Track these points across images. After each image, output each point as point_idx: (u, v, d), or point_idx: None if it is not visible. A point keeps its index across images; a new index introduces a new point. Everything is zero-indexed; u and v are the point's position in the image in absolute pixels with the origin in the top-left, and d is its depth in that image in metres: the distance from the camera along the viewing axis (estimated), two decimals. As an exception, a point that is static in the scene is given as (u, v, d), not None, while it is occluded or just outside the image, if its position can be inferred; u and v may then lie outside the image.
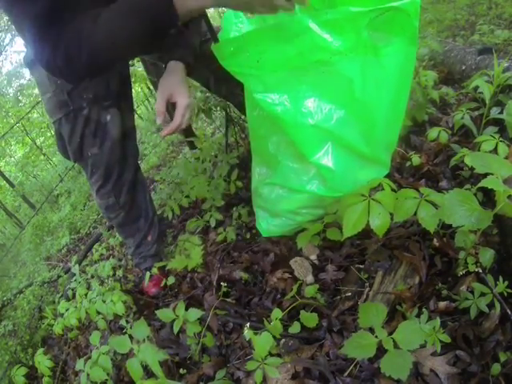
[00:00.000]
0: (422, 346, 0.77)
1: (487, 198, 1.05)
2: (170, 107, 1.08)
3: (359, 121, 0.95)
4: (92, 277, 1.75)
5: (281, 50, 0.85)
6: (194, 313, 1.02)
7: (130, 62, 2.03)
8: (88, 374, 1.01)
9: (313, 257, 1.16)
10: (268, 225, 1.26)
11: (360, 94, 0.89)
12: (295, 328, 0.98)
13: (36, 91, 8.05)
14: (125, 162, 1.29)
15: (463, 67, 1.68)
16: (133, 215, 1.42)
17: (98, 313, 1.37)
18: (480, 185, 0.75)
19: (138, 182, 1.40)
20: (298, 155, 1.02)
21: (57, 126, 1.19)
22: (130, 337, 0.93)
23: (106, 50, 0.84)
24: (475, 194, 0.81)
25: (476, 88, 1.32)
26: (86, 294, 1.47)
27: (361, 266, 1.09)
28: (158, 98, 1.06)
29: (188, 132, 2.22)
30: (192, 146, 2.24)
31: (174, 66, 1.10)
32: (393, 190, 0.95)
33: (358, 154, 1.01)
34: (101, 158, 1.22)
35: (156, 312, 1.05)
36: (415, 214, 0.87)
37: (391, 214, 0.90)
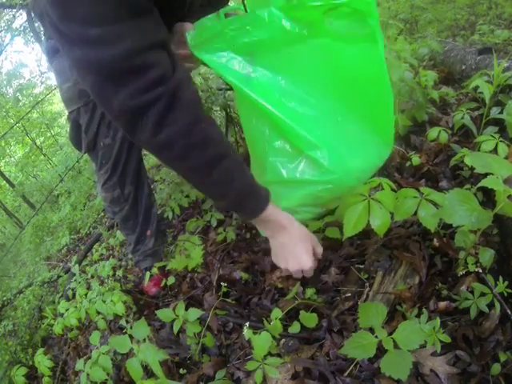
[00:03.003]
0: (422, 346, 0.77)
1: (487, 198, 1.05)
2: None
3: (337, 99, 0.96)
4: (92, 277, 1.74)
5: (254, 35, 0.88)
6: (194, 313, 1.02)
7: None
8: (88, 374, 1.01)
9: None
10: (268, 225, 1.25)
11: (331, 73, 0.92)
12: (295, 328, 0.98)
13: (36, 91, 8.06)
14: (130, 151, 1.31)
15: (463, 67, 1.68)
16: (136, 208, 1.43)
17: (98, 313, 1.37)
18: (480, 185, 0.75)
19: (140, 174, 1.41)
20: (283, 148, 1.02)
21: (74, 115, 1.21)
22: (130, 337, 0.93)
23: (170, 150, 0.76)
24: (475, 194, 0.81)
25: (476, 88, 1.31)
26: (85, 294, 1.47)
27: (361, 266, 1.09)
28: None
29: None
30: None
31: None
32: (393, 189, 0.95)
33: (345, 130, 1.00)
34: (112, 148, 1.25)
35: (156, 312, 1.05)
36: (415, 213, 0.87)
37: (391, 214, 0.90)
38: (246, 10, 1.00)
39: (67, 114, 1.26)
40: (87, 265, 2.09)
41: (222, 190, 0.84)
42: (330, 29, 0.86)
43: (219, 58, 0.92)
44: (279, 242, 0.98)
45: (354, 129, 1.00)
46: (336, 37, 0.88)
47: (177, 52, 1.02)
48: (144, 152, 1.53)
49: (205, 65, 0.99)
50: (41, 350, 1.45)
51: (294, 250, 0.95)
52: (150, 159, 4.02)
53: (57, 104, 9.28)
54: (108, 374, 1.01)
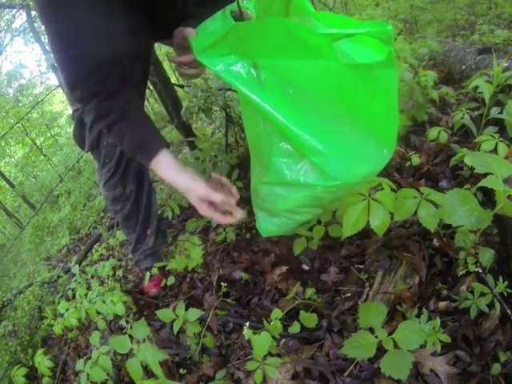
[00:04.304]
0: (422, 346, 0.77)
1: (487, 198, 1.05)
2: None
3: (341, 110, 0.96)
4: (92, 277, 1.74)
5: (259, 41, 0.87)
6: (194, 313, 1.02)
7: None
8: (88, 375, 1.01)
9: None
10: (267, 225, 1.25)
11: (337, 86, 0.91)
12: (295, 328, 0.98)
13: (36, 91, 8.06)
14: None
15: (463, 67, 1.68)
16: (137, 207, 1.43)
17: (98, 313, 1.37)
18: (480, 184, 0.75)
19: (142, 173, 1.42)
20: (287, 149, 1.02)
21: (79, 113, 1.21)
22: (130, 337, 0.93)
23: (107, 132, 1.02)
24: (475, 194, 0.81)
25: (476, 88, 1.32)
26: (86, 295, 1.47)
27: (361, 266, 1.09)
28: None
29: (188, 132, 2.22)
30: (192, 146, 2.24)
31: None
32: (392, 189, 0.95)
33: (349, 136, 1.00)
34: (115, 148, 1.26)
35: (156, 312, 1.06)
36: (415, 213, 0.87)
37: (391, 214, 0.90)
38: (240, 12, 0.99)
39: (71, 111, 1.26)
40: (87, 265, 2.09)
41: (119, 144, 1.09)
42: (337, 53, 0.86)
43: (223, 62, 0.91)
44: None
45: (357, 135, 1.00)
46: (343, 62, 0.87)
47: (180, 58, 1.06)
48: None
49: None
50: (41, 351, 1.45)
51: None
52: (149, 159, 4.02)
53: (57, 104, 9.30)
54: (108, 375, 1.01)
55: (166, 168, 0.98)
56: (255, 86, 0.92)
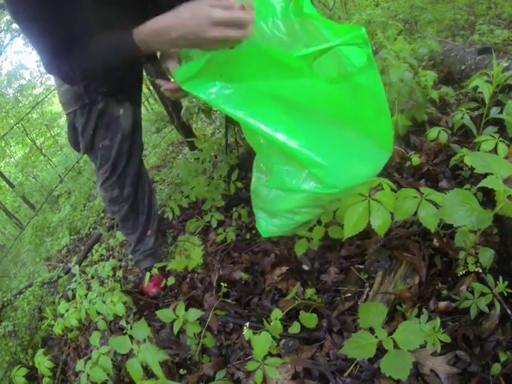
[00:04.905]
0: (422, 346, 0.77)
1: (487, 198, 1.05)
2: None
3: (333, 120, 0.98)
4: (92, 277, 1.75)
5: (241, 66, 0.90)
6: (194, 313, 1.02)
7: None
8: (88, 375, 1.01)
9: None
10: (267, 225, 1.25)
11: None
12: (295, 328, 0.98)
13: (36, 92, 8.07)
14: (131, 154, 1.32)
15: (463, 67, 1.68)
16: (136, 208, 1.44)
17: (98, 313, 1.37)
18: (480, 185, 0.75)
19: (141, 175, 1.42)
20: (288, 157, 1.04)
21: (71, 117, 1.22)
22: (130, 337, 0.93)
23: (93, 74, 0.98)
24: (475, 194, 0.81)
25: (476, 88, 1.31)
26: (86, 295, 1.48)
27: (361, 267, 1.09)
28: None
29: (188, 132, 2.22)
30: (192, 146, 2.24)
31: None
32: (392, 189, 0.95)
33: (345, 142, 1.01)
34: (111, 150, 1.26)
35: (156, 312, 1.06)
36: (415, 213, 0.87)
37: (391, 214, 0.90)
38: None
39: (65, 115, 1.27)
40: (87, 265, 2.09)
41: (112, 72, 0.99)
42: (318, 71, 0.88)
43: (208, 90, 0.94)
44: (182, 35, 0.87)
45: (353, 140, 1.02)
46: (326, 79, 0.90)
47: (165, 86, 1.05)
48: (143, 153, 1.54)
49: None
50: (41, 351, 1.45)
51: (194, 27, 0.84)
52: (150, 160, 4.02)
53: (56, 105, 9.28)
54: (108, 375, 1.01)
55: (151, 24, 0.86)
56: (245, 106, 0.94)
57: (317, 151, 0.99)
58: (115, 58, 0.94)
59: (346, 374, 0.85)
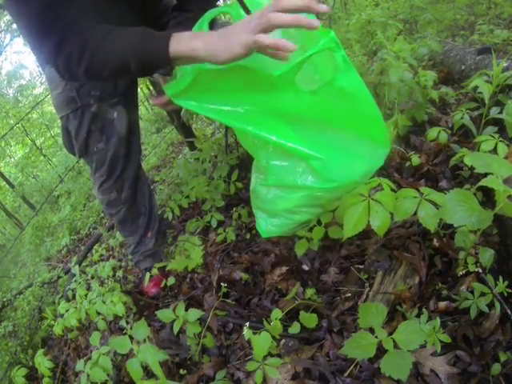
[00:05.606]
0: (422, 346, 0.77)
1: (487, 198, 1.05)
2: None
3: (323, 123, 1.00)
4: (92, 277, 1.75)
5: (228, 81, 0.91)
6: (194, 313, 1.02)
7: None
8: (88, 375, 1.01)
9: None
10: (267, 225, 1.26)
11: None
12: (295, 328, 0.98)
13: (36, 92, 8.07)
14: (128, 157, 1.31)
15: (463, 67, 1.68)
16: (134, 211, 1.43)
17: (98, 313, 1.37)
18: (480, 184, 0.75)
19: (139, 178, 1.41)
20: (284, 153, 1.04)
21: (64, 121, 1.21)
22: (130, 337, 0.93)
23: (102, 68, 0.85)
24: (475, 194, 0.81)
25: (475, 88, 1.31)
26: (86, 295, 1.48)
27: (361, 267, 1.09)
28: None
29: (188, 132, 2.22)
30: (192, 146, 2.24)
31: None
32: (392, 189, 0.95)
33: (343, 140, 1.02)
34: (106, 153, 1.25)
35: (156, 312, 1.06)
36: (415, 213, 0.87)
37: (391, 214, 0.90)
38: (246, 11, 0.96)
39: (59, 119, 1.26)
40: (87, 265, 2.09)
41: (127, 72, 0.87)
42: (301, 81, 0.89)
43: (198, 102, 0.96)
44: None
45: (350, 140, 1.04)
46: (308, 90, 0.91)
47: (157, 100, 1.07)
48: (143, 153, 1.53)
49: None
50: (41, 351, 1.45)
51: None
52: (149, 160, 4.02)
53: (57, 105, 9.27)
54: (108, 375, 1.01)
55: (195, 36, 0.79)
56: (237, 115, 0.96)
57: (313, 148, 1.00)
58: (136, 56, 0.82)
59: (346, 374, 0.85)
